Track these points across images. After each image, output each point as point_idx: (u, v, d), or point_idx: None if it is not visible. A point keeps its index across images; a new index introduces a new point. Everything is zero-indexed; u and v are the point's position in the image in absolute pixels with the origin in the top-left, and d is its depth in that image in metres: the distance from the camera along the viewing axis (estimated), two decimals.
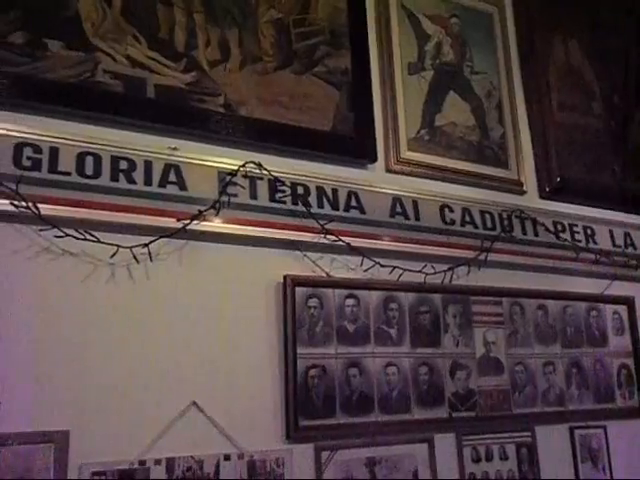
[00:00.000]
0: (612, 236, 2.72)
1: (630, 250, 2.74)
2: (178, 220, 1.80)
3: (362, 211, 2.14)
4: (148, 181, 1.81)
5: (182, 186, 1.85)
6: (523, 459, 2.26)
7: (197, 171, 1.89)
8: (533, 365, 2.36)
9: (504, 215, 2.43)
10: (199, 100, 1.98)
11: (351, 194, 2.13)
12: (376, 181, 2.22)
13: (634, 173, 2.92)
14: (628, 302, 2.67)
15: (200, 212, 1.83)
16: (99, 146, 1.76)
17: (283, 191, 2.01)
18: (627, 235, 2.76)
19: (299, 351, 1.91)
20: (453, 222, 2.31)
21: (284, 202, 2.00)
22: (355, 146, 2.22)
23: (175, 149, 1.87)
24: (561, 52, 2.93)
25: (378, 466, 1.96)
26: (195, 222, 1.82)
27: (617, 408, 2.53)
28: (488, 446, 2.20)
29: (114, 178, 1.76)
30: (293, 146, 2.10)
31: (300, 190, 2.04)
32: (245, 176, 1.96)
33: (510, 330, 2.34)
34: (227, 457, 1.76)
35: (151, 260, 1.78)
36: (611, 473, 2.44)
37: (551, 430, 2.35)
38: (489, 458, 2.19)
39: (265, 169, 1.98)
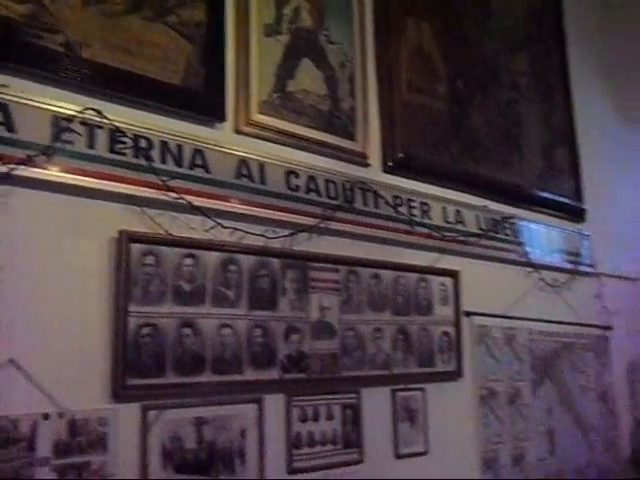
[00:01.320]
0: (445, 213, 2.89)
1: (460, 227, 2.94)
2: (3, 164, 1.66)
3: (207, 170, 2.10)
4: None
5: (10, 127, 1.70)
6: (348, 419, 2.37)
7: (29, 113, 1.74)
8: (364, 331, 2.47)
9: (347, 185, 2.50)
10: (35, 36, 1.81)
11: (197, 152, 2.08)
12: (223, 141, 2.18)
13: (468, 155, 3.12)
14: (454, 275, 2.87)
15: (29, 157, 1.70)
16: None
17: (124, 142, 1.91)
18: (458, 212, 2.95)
19: (131, 309, 1.86)
20: (298, 188, 2.34)
21: (124, 154, 1.91)
22: (204, 103, 2.16)
23: (4, 86, 1.71)
24: (413, 33, 3.03)
25: (206, 426, 1.97)
26: (23, 167, 1.69)
27: (436, 372, 2.73)
28: (316, 407, 2.29)
29: None
30: (138, 96, 2.00)
31: (143, 143, 1.96)
32: (83, 123, 1.84)
33: (345, 297, 2.43)
34: (46, 416, 1.68)
35: None
36: (427, 431, 2.64)
37: (375, 392, 2.49)
38: (316, 418, 2.28)
39: (106, 117, 1.88)
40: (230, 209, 2.14)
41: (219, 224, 2.09)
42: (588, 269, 3.63)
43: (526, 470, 3.02)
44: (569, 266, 3.52)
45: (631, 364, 3.85)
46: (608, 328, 3.67)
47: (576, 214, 3.72)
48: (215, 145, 2.14)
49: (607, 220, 3.93)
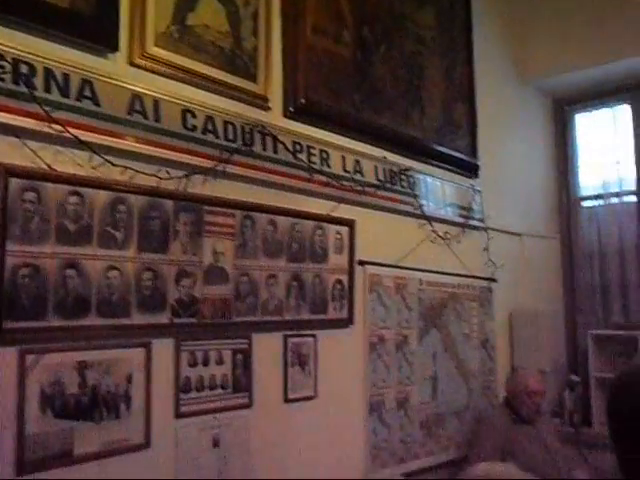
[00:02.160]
0: (344, 161, 2.89)
1: (358, 176, 2.95)
2: None
3: (96, 103, 1.98)
4: None
5: None
6: (238, 364, 2.37)
7: None
8: (257, 277, 2.45)
9: (247, 129, 2.43)
10: None
11: (85, 82, 1.95)
12: (115, 73, 2.06)
13: (371, 105, 3.11)
14: (350, 224, 2.89)
15: None
16: None
17: (2, 67, 1.76)
18: (357, 162, 2.96)
19: (8, 248, 1.75)
20: (194, 128, 2.25)
21: (2, 79, 1.76)
22: (94, 30, 2.01)
23: None
24: None
25: (90, 370, 1.91)
26: None
27: (328, 319, 2.77)
28: (206, 352, 2.27)
29: None
30: (19, 16, 1.83)
31: (24, 69, 1.81)
32: None
33: (239, 242, 2.39)
34: None
35: None
36: (316, 376, 2.69)
37: (267, 337, 2.50)
38: (206, 363, 2.27)
39: None
40: (121, 146, 2.03)
41: (108, 161, 1.98)
42: (478, 223, 3.76)
43: (409, 413, 3.16)
44: (460, 220, 3.63)
45: (511, 315, 4.08)
46: (493, 280, 3.85)
47: (470, 169, 3.82)
48: (106, 77, 2.02)
49: (498, 177, 4.07)
